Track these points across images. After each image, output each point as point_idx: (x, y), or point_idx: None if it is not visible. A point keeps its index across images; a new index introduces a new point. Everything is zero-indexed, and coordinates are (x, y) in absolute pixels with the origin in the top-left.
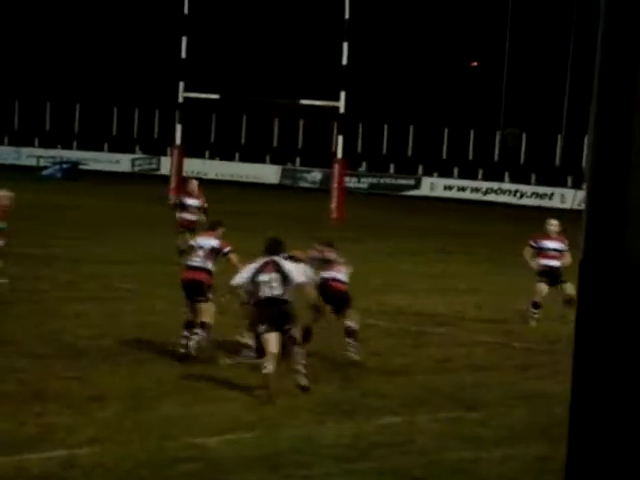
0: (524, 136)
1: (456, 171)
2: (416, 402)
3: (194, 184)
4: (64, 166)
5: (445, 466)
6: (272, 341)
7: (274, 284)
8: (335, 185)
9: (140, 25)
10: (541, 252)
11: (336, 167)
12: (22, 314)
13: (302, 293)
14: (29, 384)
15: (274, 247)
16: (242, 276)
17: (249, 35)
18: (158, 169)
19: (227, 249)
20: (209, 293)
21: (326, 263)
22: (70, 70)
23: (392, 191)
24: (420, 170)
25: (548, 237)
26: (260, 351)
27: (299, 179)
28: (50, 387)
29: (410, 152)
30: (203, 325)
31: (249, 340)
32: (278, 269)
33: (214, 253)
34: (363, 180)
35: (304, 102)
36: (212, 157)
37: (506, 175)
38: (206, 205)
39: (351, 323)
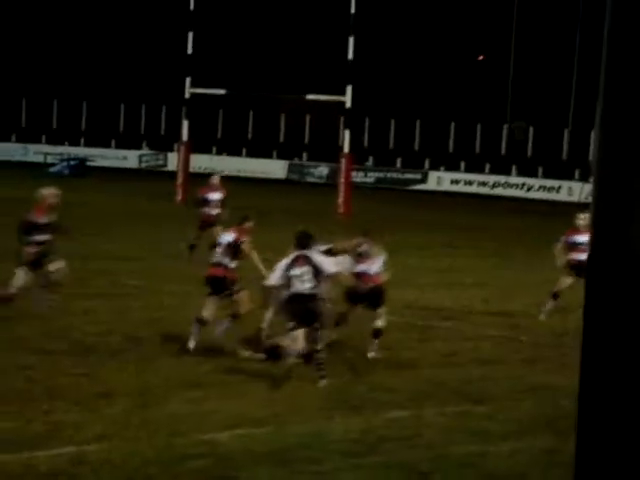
0: (531, 129)
1: (463, 165)
2: (423, 396)
3: (217, 178)
4: (71, 163)
5: (452, 460)
6: (298, 338)
7: (306, 277)
8: (342, 180)
9: (146, 21)
10: (573, 247)
11: (343, 162)
12: (30, 311)
13: (337, 283)
14: (37, 381)
15: (304, 241)
16: (275, 275)
17: (255, 30)
18: (165, 165)
19: (241, 240)
20: (233, 286)
21: (359, 256)
22: (77, 67)
23: (399, 185)
24: (427, 164)
25: (578, 231)
26: (271, 352)
27: (306, 174)
28: (58, 384)
29: (417, 146)
30: (233, 316)
31: (247, 353)
32: (309, 262)
33: (231, 248)
34: (370, 174)
35: (310, 97)
36: (219, 153)
37: (513, 168)
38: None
39: (379, 325)
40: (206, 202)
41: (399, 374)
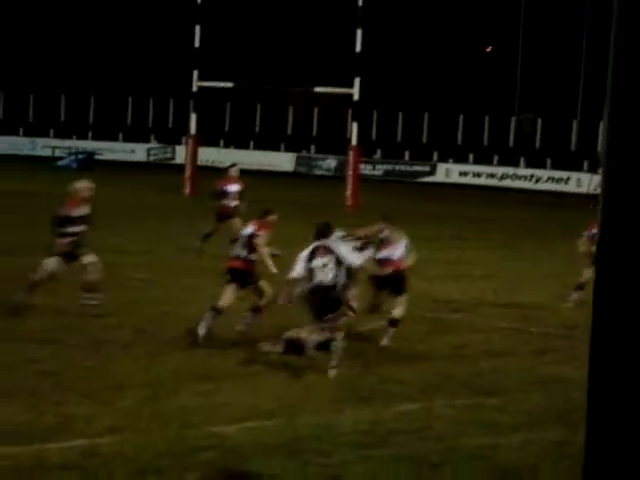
0: (540, 121)
1: (471, 157)
2: (433, 388)
3: (236, 170)
4: (79, 156)
5: (463, 452)
6: (315, 330)
7: (328, 268)
8: (350, 172)
9: (154, 15)
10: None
11: (351, 154)
12: (39, 304)
13: (361, 271)
14: (48, 374)
15: (324, 231)
16: (297, 268)
17: (262, 23)
18: (173, 158)
19: (257, 233)
20: (252, 277)
21: (381, 242)
22: (84, 61)
23: (407, 178)
24: (435, 156)
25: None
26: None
27: (314, 167)
28: (69, 377)
29: (425, 138)
30: (255, 310)
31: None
32: (331, 252)
33: (250, 240)
34: (378, 167)
35: (318, 89)
36: (227, 146)
37: (522, 160)
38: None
39: (397, 314)
40: (225, 194)
41: (409, 366)
